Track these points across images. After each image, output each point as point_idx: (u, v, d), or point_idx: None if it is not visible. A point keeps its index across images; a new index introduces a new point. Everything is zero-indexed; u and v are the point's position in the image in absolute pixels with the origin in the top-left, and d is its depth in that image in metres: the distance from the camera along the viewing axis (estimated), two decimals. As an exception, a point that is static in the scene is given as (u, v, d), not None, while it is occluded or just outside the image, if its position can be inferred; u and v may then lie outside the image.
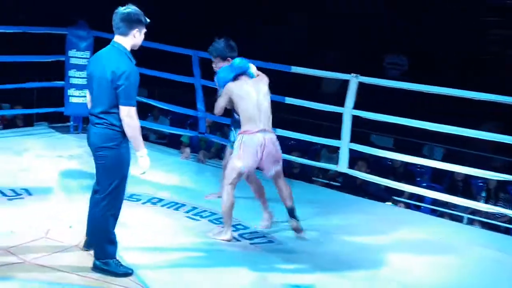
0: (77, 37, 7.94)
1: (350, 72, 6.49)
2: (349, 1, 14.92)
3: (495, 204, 7.21)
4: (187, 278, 4.31)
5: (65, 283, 4.02)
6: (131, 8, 4.05)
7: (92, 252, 4.27)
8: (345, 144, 6.55)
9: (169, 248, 4.79)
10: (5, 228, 4.73)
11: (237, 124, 5.22)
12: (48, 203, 5.45)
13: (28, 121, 9.25)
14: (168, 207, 5.73)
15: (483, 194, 7.89)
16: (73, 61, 7.95)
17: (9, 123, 9.70)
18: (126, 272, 4.19)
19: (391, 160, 8.40)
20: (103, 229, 4.14)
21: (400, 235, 5.61)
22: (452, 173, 7.93)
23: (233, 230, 5.16)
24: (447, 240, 5.64)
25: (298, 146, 9.07)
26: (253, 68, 5.17)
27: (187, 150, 7.73)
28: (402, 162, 8.21)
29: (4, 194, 5.56)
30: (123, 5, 4.08)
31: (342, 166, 6.64)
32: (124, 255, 4.41)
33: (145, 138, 8.44)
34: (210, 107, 5.51)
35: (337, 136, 6.68)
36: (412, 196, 7.81)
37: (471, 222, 7.42)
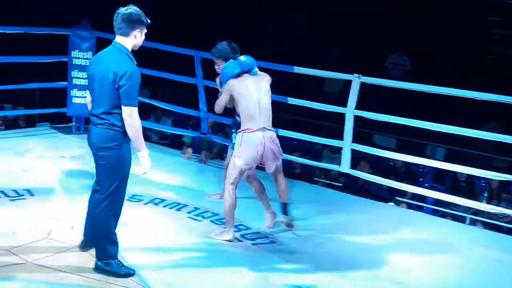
0: (79, 37, 7.95)
1: (352, 72, 6.49)
2: (349, 1, 14.90)
3: (497, 205, 7.20)
4: (189, 279, 4.32)
5: (67, 283, 4.02)
6: (132, 9, 4.06)
7: (92, 252, 4.27)
8: (347, 144, 6.54)
9: (171, 248, 4.79)
10: (7, 229, 4.74)
11: (238, 127, 5.23)
12: (50, 204, 5.46)
13: (30, 122, 9.25)
14: (170, 208, 5.74)
15: (485, 194, 7.88)
16: (75, 61, 7.96)
17: (11, 124, 9.71)
18: (128, 273, 4.19)
19: (393, 160, 8.39)
20: (104, 229, 4.15)
21: (402, 235, 5.61)
22: (454, 173, 7.92)
23: (235, 231, 5.16)
24: (449, 240, 5.63)
25: (299, 146, 9.07)
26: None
27: (189, 150, 7.74)
28: (404, 162, 8.21)
29: (6, 195, 5.57)
30: (124, 5, 4.09)
31: (344, 166, 6.64)
32: (126, 255, 4.41)
33: (147, 138, 8.51)
34: (212, 107, 5.52)
35: (338, 136, 6.68)
36: (414, 196, 7.81)
37: (473, 222, 7.41)
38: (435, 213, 7.63)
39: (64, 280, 4.05)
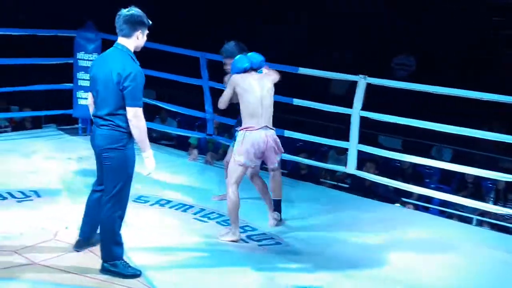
0: (85, 39, 7.98)
1: (354, 72, 6.48)
2: (349, 0, 14.89)
3: (504, 206, 7.18)
4: (195, 280, 4.32)
5: (73, 284, 4.03)
6: (134, 10, 4.09)
7: (98, 253, 4.27)
8: (353, 145, 6.53)
9: (177, 249, 4.80)
10: (14, 230, 4.76)
11: (241, 125, 5.23)
12: (56, 205, 5.48)
13: (36, 123, 9.29)
14: (176, 209, 5.74)
15: (492, 195, 7.86)
16: (81, 63, 7.98)
17: (18, 125, 9.75)
18: (134, 274, 4.20)
19: (400, 161, 8.37)
20: (109, 231, 4.16)
21: (409, 236, 5.59)
22: (461, 174, 7.89)
23: (241, 232, 5.17)
24: (455, 241, 5.61)
25: (305, 148, 9.07)
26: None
27: (195, 151, 7.74)
28: (411, 163, 8.18)
29: (13, 196, 5.58)
30: (125, 6, 4.11)
31: (351, 167, 6.63)
32: (132, 256, 4.42)
33: (153, 140, 8.52)
34: (218, 108, 5.53)
35: (344, 137, 6.67)
36: (421, 197, 7.79)
37: (480, 223, 7.39)
38: (441, 214, 7.61)
39: (70, 281, 4.06)
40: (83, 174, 6.36)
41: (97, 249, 4.32)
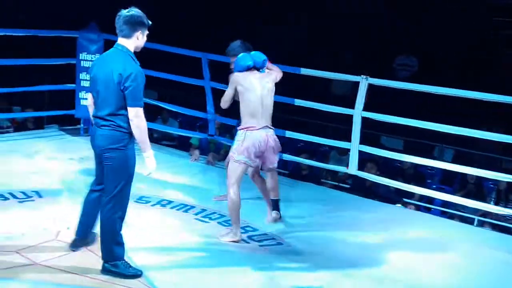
0: (87, 40, 7.99)
1: (356, 73, 6.48)
2: (349, 1, 14.90)
3: (505, 206, 7.17)
4: (196, 280, 4.33)
5: (75, 285, 4.04)
6: (134, 11, 4.10)
7: (99, 253, 4.28)
8: (355, 146, 6.53)
9: (178, 249, 4.81)
10: (15, 230, 4.77)
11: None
12: (58, 206, 5.48)
13: (38, 124, 9.30)
14: (178, 209, 5.75)
15: (493, 196, 7.85)
16: (84, 64, 7.99)
17: (20, 126, 9.76)
18: (135, 274, 4.21)
19: (401, 161, 8.37)
20: (110, 231, 4.17)
21: (409, 236, 5.60)
22: (462, 174, 7.89)
23: (242, 232, 5.18)
24: (456, 241, 5.61)
25: (306, 148, 9.07)
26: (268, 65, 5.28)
27: (197, 152, 7.75)
28: (412, 164, 8.18)
29: (15, 197, 5.60)
30: (126, 7, 4.12)
31: (352, 168, 6.63)
32: (133, 256, 4.43)
33: (155, 140, 8.53)
34: (219, 109, 5.54)
35: (345, 138, 6.67)
36: (423, 198, 7.79)
37: (481, 224, 7.38)
38: (443, 214, 7.61)
39: (71, 281, 4.07)
40: (85, 175, 6.36)
41: (97, 249, 4.34)
